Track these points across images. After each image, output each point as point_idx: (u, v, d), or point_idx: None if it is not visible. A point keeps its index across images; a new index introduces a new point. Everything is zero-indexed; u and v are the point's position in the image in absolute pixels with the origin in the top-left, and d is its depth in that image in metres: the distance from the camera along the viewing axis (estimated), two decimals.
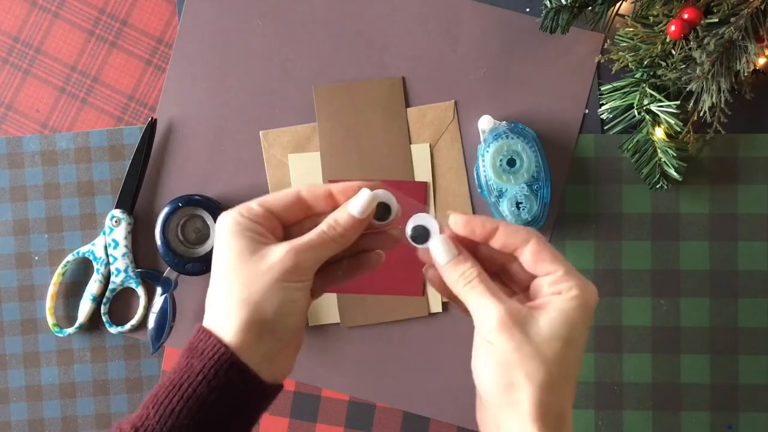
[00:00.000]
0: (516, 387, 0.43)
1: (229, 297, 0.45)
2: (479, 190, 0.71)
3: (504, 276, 0.49)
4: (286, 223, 0.49)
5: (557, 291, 0.45)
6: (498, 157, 0.69)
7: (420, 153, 0.72)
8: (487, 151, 0.69)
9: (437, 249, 0.47)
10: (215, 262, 0.47)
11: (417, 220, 0.47)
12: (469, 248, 0.47)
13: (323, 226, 0.47)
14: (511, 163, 0.69)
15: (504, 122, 0.70)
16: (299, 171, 0.72)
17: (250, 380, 0.45)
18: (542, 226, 0.70)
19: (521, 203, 0.69)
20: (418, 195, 0.71)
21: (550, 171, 0.70)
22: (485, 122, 0.70)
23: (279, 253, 0.45)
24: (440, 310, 0.72)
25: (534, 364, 0.43)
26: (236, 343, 0.44)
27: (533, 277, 0.47)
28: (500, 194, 0.69)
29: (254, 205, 0.48)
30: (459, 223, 0.47)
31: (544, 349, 0.43)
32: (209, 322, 0.46)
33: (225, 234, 0.47)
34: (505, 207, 0.69)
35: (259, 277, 0.45)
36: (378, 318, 0.72)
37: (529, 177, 0.69)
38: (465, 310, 0.47)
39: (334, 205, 0.48)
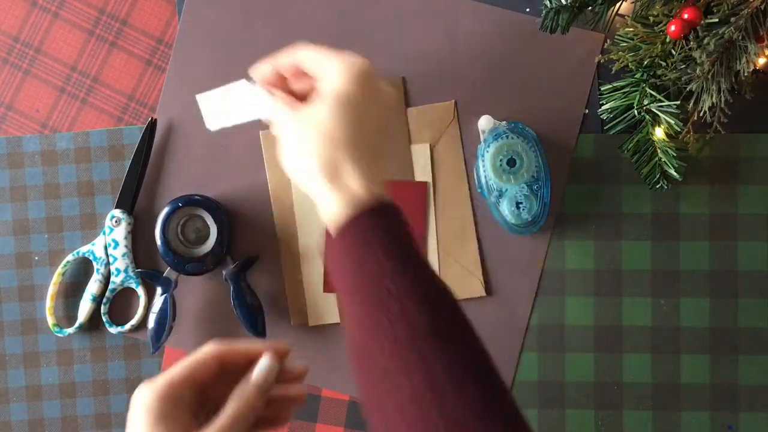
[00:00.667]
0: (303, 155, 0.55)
1: None
2: (479, 190, 0.71)
3: None
4: (202, 387, 0.50)
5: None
6: (498, 157, 0.69)
7: (420, 153, 0.72)
8: (487, 151, 0.69)
9: None
10: None
11: None
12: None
13: (229, 410, 0.48)
14: (511, 163, 0.69)
15: (504, 122, 0.70)
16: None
17: None
18: (542, 226, 0.70)
19: (521, 203, 0.69)
20: (419, 195, 0.71)
21: (551, 171, 0.70)
22: (485, 122, 0.70)
23: None
24: None
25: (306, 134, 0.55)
26: None
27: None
28: (500, 194, 0.69)
29: (168, 379, 0.49)
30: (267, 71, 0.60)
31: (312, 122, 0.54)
32: None
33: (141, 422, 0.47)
34: (505, 207, 0.69)
35: None
36: None
37: (529, 177, 0.69)
38: None
39: (247, 355, 0.51)
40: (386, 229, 0.51)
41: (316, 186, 0.54)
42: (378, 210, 0.52)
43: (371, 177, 0.54)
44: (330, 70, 0.57)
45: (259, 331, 0.70)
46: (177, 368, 0.49)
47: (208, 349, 0.50)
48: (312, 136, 0.54)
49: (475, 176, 0.71)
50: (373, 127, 0.56)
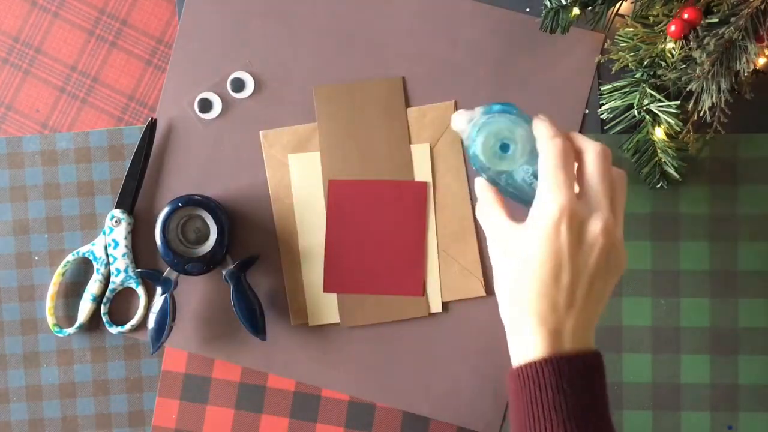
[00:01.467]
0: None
1: None
2: (482, 174, 0.62)
3: None
4: None
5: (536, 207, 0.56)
6: (488, 146, 0.61)
7: (420, 153, 0.72)
8: (476, 146, 0.61)
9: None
10: None
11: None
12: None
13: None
14: (504, 148, 0.61)
15: (478, 108, 0.63)
16: (299, 171, 0.72)
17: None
18: None
19: (533, 177, 0.60)
20: (419, 195, 0.71)
21: None
22: (459, 120, 0.63)
23: None
24: (440, 310, 0.72)
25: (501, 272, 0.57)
26: None
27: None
28: (510, 177, 0.61)
29: None
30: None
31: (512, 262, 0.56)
32: None
33: None
34: (518, 181, 0.61)
35: None
36: (378, 318, 0.72)
37: (529, 155, 0.60)
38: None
39: None
40: (578, 383, 0.51)
41: (519, 325, 0.55)
42: (579, 361, 0.52)
43: (583, 324, 0.54)
44: (537, 207, 0.56)
45: (259, 330, 0.70)
46: None
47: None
48: (528, 276, 0.54)
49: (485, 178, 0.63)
50: (597, 265, 0.55)
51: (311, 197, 0.72)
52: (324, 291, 0.72)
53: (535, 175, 0.60)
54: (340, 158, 0.72)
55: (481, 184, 0.61)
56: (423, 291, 0.72)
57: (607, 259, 0.55)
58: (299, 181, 0.72)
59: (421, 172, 0.72)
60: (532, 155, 0.60)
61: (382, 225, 0.71)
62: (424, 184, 0.72)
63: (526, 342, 0.54)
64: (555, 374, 0.51)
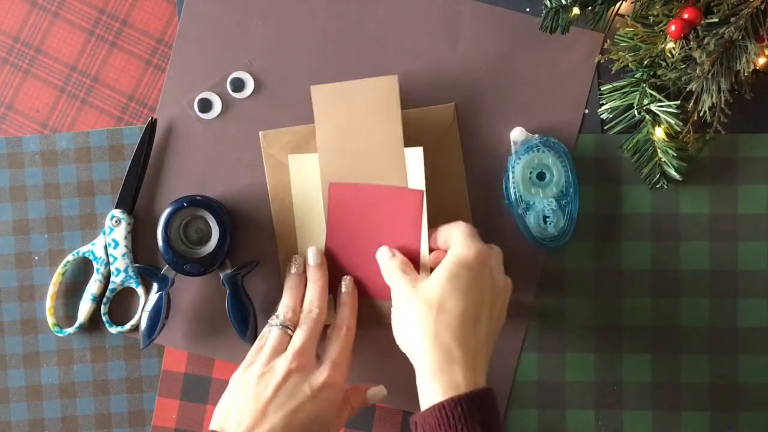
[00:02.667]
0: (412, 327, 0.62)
1: None
2: (506, 202, 0.71)
3: None
4: None
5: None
6: (528, 170, 0.69)
7: (414, 156, 0.70)
8: (518, 163, 0.69)
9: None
10: None
11: None
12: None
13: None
14: (540, 176, 0.69)
15: (536, 135, 0.70)
16: (299, 172, 0.72)
17: None
18: (567, 242, 0.70)
19: (548, 217, 0.69)
20: (414, 204, 0.70)
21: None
22: (517, 134, 0.70)
23: None
24: None
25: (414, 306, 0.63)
26: None
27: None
28: (527, 207, 0.69)
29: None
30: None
31: (425, 294, 0.62)
32: None
33: None
34: (531, 220, 0.69)
35: None
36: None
37: (557, 191, 0.69)
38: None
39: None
40: (475, 421, 0.56)
41: (421, 365, 0.61)
42: (474, 400, 0.57)
43: (476, 366, 0.60)
44: (454, 236, 0.64)
45: (249, 338, 0.70)
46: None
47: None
48: (426, 320, 0.61)
49: (503, 187, 0.71)
50: (482, 302, 0.62)
51: (310, 198, 0.72)
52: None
53: (548, 216, 0.69)
54: (338, 159, 0.71)
55: (382, 253, 0.68)
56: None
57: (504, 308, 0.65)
58: (298, 182, 0.72)
59: (415, 175, 0.70)
60: (560, 194, 0.69)
61: (379, 229, 0.71)
62: (420, 194, 0.70)
63: (444, 382, 0.59)
64: (458, 414, 0.57)
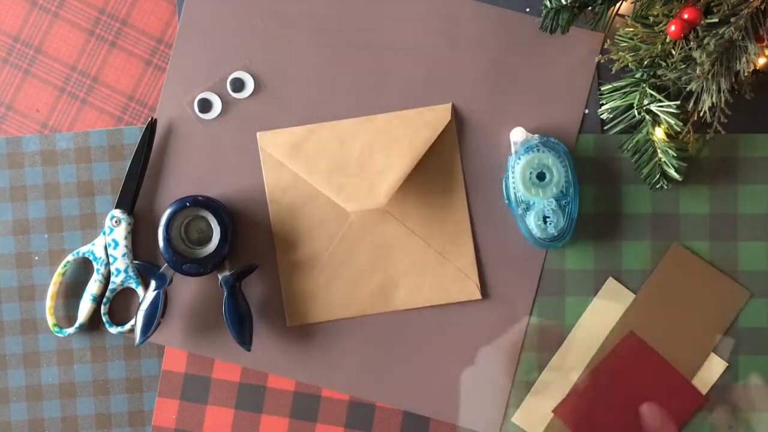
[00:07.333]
0: None
1: None
2: (506, 201, 0.71)
3: None
4: None
5: None
6: (528, 170, 0.69)
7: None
8: (518, 163, 0.69)
9: None
10: None
11: None
12: None
13: None
14: (540, 176, 0.69)
15: (536, 135, 0.70)
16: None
17: None
18: (568, 242, 0.70)
19: (548, 217, 0.69)
20: (689, 407, 0.71)
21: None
22: (518, 134, 0.70)
23: None
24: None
25: None
26: None
27: None
28: (528, 207, 0.69)
29: None
30: None
31: None
32: None
33: None
34: (531, 220, 0.69)
35: None
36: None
37: (557, 192, 0.69)
38: None
39: None
40: None
41: None
42: None
43: None
44: None
45: (244, 341, 0.70)
46: None
47: None
48: None
49: (504, 187, 0.71)
50: None
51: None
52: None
53: (548, 216, 0.68)
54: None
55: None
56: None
57: None
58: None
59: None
60: (560, 194, 0.68)
61: (637, 398, 0.71)
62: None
63: None
64: None
